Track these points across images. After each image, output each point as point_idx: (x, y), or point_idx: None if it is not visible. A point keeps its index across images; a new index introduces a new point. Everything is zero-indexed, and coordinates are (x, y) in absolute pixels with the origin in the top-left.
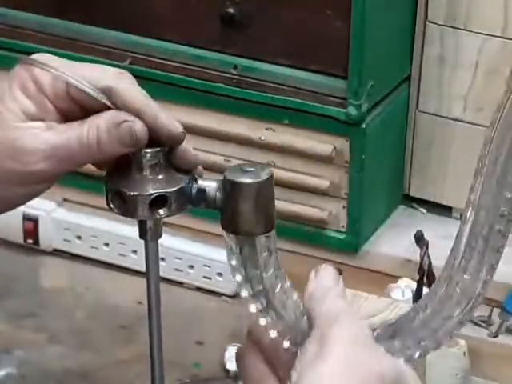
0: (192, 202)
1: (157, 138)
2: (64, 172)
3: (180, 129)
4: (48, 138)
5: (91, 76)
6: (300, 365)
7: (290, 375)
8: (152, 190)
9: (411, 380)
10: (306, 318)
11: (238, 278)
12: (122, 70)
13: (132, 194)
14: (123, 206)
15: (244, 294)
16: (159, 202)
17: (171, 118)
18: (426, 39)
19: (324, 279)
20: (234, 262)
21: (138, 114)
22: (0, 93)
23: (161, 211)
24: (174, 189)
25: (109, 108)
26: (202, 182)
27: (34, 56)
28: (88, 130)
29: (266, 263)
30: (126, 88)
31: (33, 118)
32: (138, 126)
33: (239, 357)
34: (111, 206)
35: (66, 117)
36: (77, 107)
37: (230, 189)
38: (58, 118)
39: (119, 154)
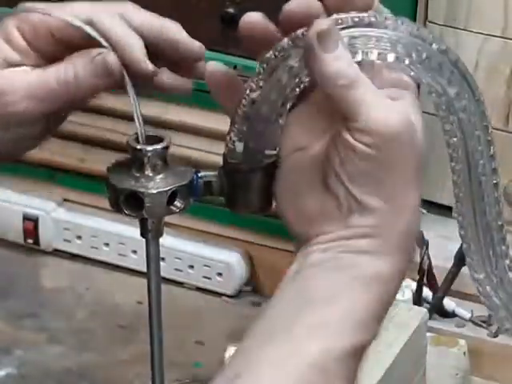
0: (199, 193)
1: (132, 73)
2: (46, 113)
3: (150, 66)
4: (26, 77)
5: (76, 10)
6: (359, 182)
7: (342, 179)
8: (168, 186)
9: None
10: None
11: None
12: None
13: (150, 192)
14: (137, 207)
15: None
16: (171, 197)
17: (142, 53)
18: None
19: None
20: None
21: (114, 46)
22: None
23: (178, 204)
24: (185, 182)
25: (95, 43)
26: (205, 173)
27: (21, 5)
28: (65, 66)
29: None
30: (105, 19)
31: (12, 65)
32: (110, 58)
33: None
34: (124, 210)
35: (53, 62)
36: (63, 48)
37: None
38: (42, 64)
39: (98, 90)
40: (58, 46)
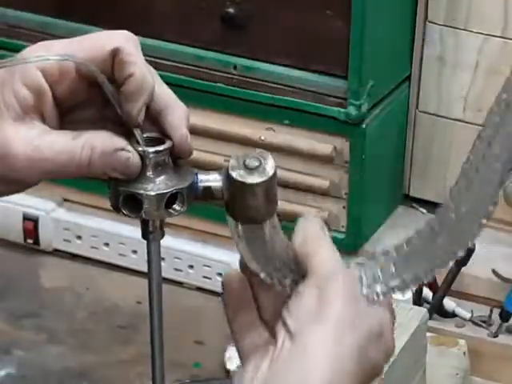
0: (199, 197)
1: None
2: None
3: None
4: (39, 146)
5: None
6: (297, 316)
7: (284, 317)
8: (168, 188)
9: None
10: (293, 261)
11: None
12: (126, 32)
13: (149, 194)
14: (136, 208)
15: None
16: (169, 199)
17: (173, 96)
18: (426, 39)
19: (314, 228)
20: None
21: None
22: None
23: (177, 207)
24: (186, 185)
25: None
26: (207, 177)
27: (35, 46)
28: (82, 149)
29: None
30: (131, 52)
31: (27, 111)
32: (135, 158)
33: (227, 281)
34: (123, 210)
35: (70, 102)
36: (85, 87)
37: (236, 187)
38: (53, 110)
39: (104, 177)
40: (83, 81)
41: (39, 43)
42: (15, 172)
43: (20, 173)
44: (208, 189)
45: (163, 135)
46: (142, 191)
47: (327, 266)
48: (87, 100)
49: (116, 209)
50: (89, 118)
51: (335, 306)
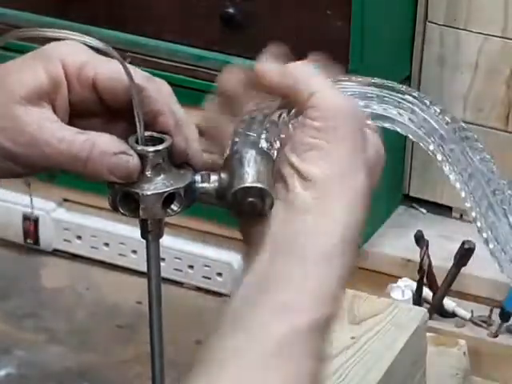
0: (197, 197)
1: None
2: (43, 165)
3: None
4: (43, 128)
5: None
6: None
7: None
8: (165, 188)
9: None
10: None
11: None
12: (150, 75)
13: (145, 193)
14: (134, 207)
15: None
16: (168, 199)
17: (193, 131)
18: (426, 39)
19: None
20: None
21: (163, 112)
22: (19, 64)
23: (174, 207)
24: (183, 185)
25: (131, 107)
26: (205, 177)
27: (62, 42)
28: (83, 142)
29: None
30: (155, 88)
31: (40, 96)
32: (135, 162)
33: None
34: (120, 209)
35: (77, 108)
36: (96, 99)
37: None
38: (65, 105)
39: (101, 180)
40: (96, 95)
41: (66, 40)
42: (16, 146)
43: (20, 148)
44: (206, 189)
45: (162, 133)
46: (138, 190)
47: (330, 96)
48: (95, 112)
49: (114, 208)
50: (93, 128)
51: (343, 145)
